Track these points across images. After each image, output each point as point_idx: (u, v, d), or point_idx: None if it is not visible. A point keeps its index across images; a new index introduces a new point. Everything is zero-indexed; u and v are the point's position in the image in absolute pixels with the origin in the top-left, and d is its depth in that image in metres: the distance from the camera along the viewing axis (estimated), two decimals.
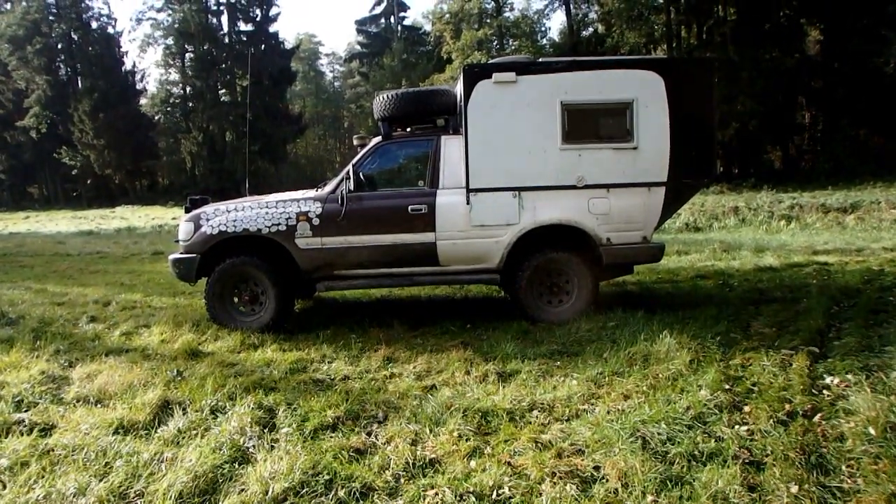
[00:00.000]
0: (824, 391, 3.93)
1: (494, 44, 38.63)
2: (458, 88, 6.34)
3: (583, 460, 3.17)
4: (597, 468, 3.09)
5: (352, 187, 6.03)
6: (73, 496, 2.98)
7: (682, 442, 3.28)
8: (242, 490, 3.02)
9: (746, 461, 3.09)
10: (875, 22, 24.12)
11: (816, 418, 3.54)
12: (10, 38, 47.38)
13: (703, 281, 8.32)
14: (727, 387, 4.04)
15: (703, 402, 3.74)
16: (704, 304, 6.50)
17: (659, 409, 3.66)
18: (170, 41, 49.16)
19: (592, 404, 3.94)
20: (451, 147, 6.15)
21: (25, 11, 48.04)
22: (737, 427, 3.46)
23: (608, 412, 3.75)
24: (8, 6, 50.02)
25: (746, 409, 3.71)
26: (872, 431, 3.23)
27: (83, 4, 50.67)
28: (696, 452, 3.19)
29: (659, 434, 3.35)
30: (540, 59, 6.35)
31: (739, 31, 27.31)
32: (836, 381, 4.03)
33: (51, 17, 49.43)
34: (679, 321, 5.58)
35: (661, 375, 4.28)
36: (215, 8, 48.35)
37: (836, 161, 24.18)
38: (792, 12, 27.68)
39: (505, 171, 6.00)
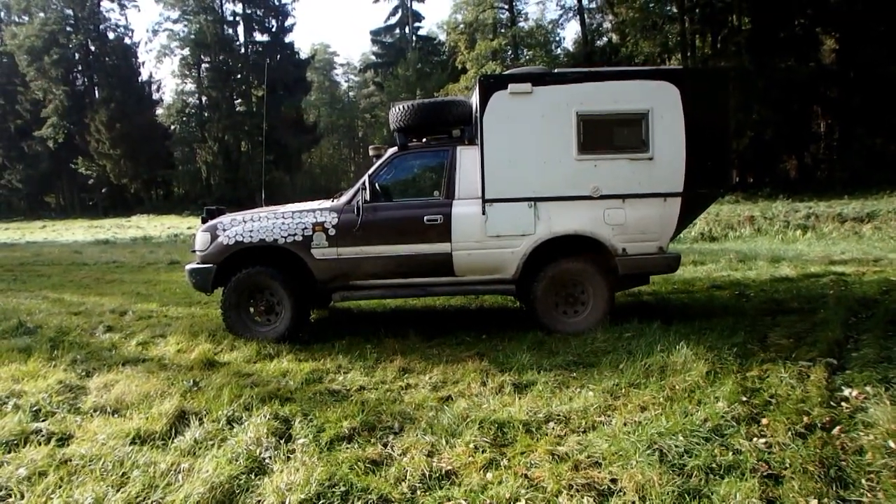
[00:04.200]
0: (843, 403, 3.90)
1: (509, 54, 38.71)
2: (474, 99, 6.36)
3: (600, 473, 3.16)
4: (614, 481, 3.08)
5: (368, 198, 6.06)
6: None
7: (699, 454, 3.26)
8: (259, 502, 3.03)
9: (765, 474, 3.07)
10: (890, 30, 23.90)
11: (835, 431, 3.50)
12: (29, 50, 48.02)
13: (719, 291, 8.27)
14: (745, 399, 4.01)
15: (720, 415, 3.71)
16: (721, 315, 6.46)
17: (676, 421, 3.64)
18: (186, 52, 49.67)
19: (609, 416, 3.92)
20: (466, 157, 6.16)
21: (44, 23, 48.75)
22: (755, 440, 3.44)
23: (625, 424, 3.73)
24: (26, 18, 50.80)
25: (764, 421, 3.68)
26: (892, 444, 3.21)
27: (101, 16, 51.43)
28: (713, 465, 3.16)
29: (676, 446, 3.33)
30: (555, 70, 6.37)
31: (754, 41, 27.15)
32: (855, 393, 3.99)
33: (68, 29, 50.07)
34: (695, 332, 5.55)
35: (677, 387, 4.26)
36: (231, 19, 48.98)
37: (852, 170, 23.93)
38: (807, 21, 27.48)
39: (520, 182, 6.00)
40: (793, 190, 22.90)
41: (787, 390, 4.15)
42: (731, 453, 3.29)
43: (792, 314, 6.52)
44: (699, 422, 3.62)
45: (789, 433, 3.47)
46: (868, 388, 4.01)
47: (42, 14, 49.78)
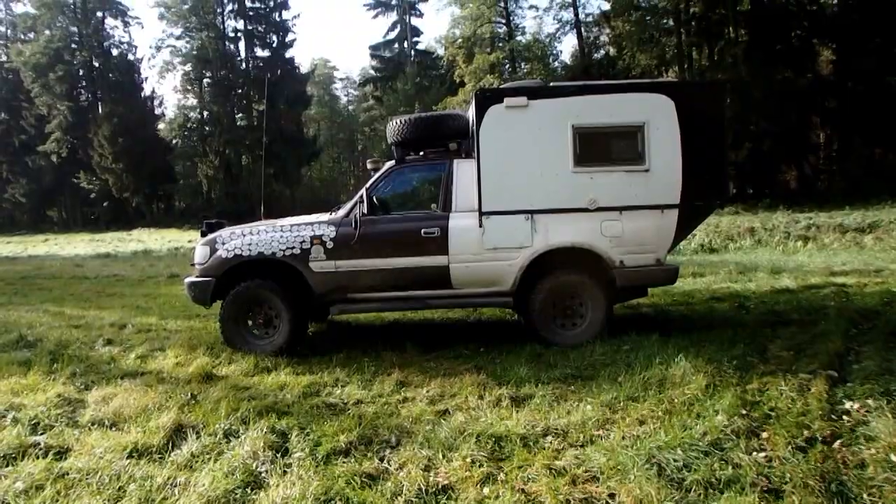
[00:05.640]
0: (844, 417, 3.87)
1: (506, 67, 38.87)
2: (471, 113, 6.39)
3: (597, 487, 3.13)
4: (612, 496, 3.05)
5: (365, 211, 6.07)
6: None
7: (698, 469, 3.23)
8: None
9: (765, 489, 3.04)
10: (887, 41, 24.07)
11: (836, 445, 3.47)
12: (34, 66, 48.34)
13: (719, 303, 8.24)
14: (744, 412, 3.98)
15: (719, 428, 3.68)
16: (720, 327, 6.43)
17: (675, 434, 3.61)
18: (188, 67, 50.00)
19: (607, 430, 3.90)
20: (463, 170, 6.17)
21: (49, 40, 49.08)
22: (754, 453, 3.40)
23: (623, 438, 3.70)
24: (32, 35, 51.18)
25: (764, 434, 3.65)
26: (894, 458, 3.17)
27: (105, 33, 51.96)
28: (712, 480, 3.13)
29: (675, 460, 3.30)
30: (551, 84, 6.39)
31: (751, 52, 27.30)
32: (856, 406, 3.96)
33: (73, 46, 50.52)
34: (694, 344, 5.52)
35: (676, 400, 4.23)
36: (233, 35, 49.39)
37: (851, 180, 24.01)
38: (803, 33, 27.68)
39: (517, 194, 6.01)
40: (793, 200, 22.90)
41: (788, 403, 4.12)
42: (730, 467, 3.26)
43: (792, 326, 6.49)
44: (698, 435, 3.60)
45: (790, 447, 3.44)
46: (870, 401, 3.97)
47: (48, 31, 50.15)
